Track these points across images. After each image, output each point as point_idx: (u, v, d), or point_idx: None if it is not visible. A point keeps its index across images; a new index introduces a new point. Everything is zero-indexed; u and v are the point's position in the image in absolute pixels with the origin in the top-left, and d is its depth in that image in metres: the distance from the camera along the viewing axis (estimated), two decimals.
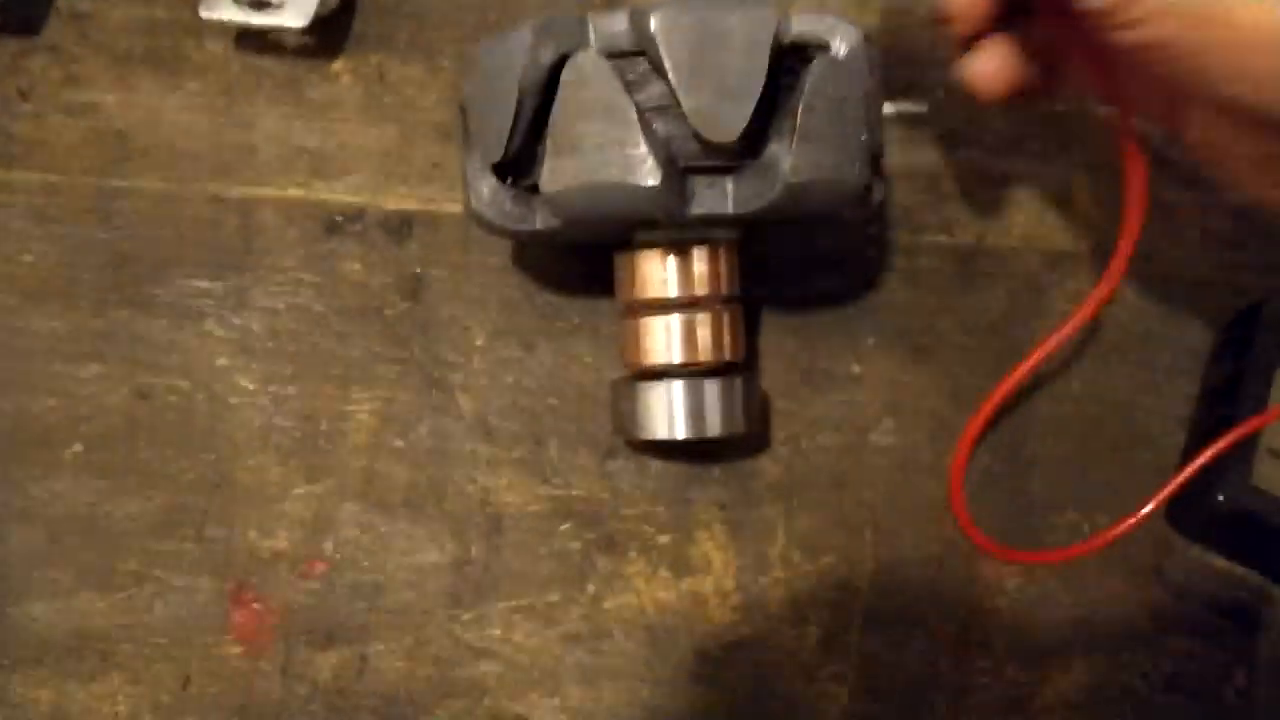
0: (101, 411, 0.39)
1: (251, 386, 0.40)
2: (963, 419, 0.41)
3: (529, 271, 0.43)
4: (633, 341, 0.37)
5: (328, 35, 0.45)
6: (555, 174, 0.33)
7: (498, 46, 0.33)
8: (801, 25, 0.34)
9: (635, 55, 0.33)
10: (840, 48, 0.34)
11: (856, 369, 0.43)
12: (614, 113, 0.32)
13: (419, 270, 0.43)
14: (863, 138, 0.35)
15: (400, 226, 0.44)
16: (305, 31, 0.44)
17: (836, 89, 0.34)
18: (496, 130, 0.34)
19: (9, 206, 0.43)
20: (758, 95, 0.32)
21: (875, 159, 0.36)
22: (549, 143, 0.33)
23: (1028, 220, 0.46)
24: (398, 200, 0.44)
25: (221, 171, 0.44)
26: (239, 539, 0.38)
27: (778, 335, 0.43)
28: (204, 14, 0.44)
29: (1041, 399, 0.43)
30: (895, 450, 0.41)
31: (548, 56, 0.33)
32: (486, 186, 0.36)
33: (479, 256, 0.43)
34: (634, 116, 0.32)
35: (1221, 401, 0.41)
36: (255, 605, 0.37)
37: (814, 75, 0.33)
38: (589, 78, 0.32)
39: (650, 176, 0.32)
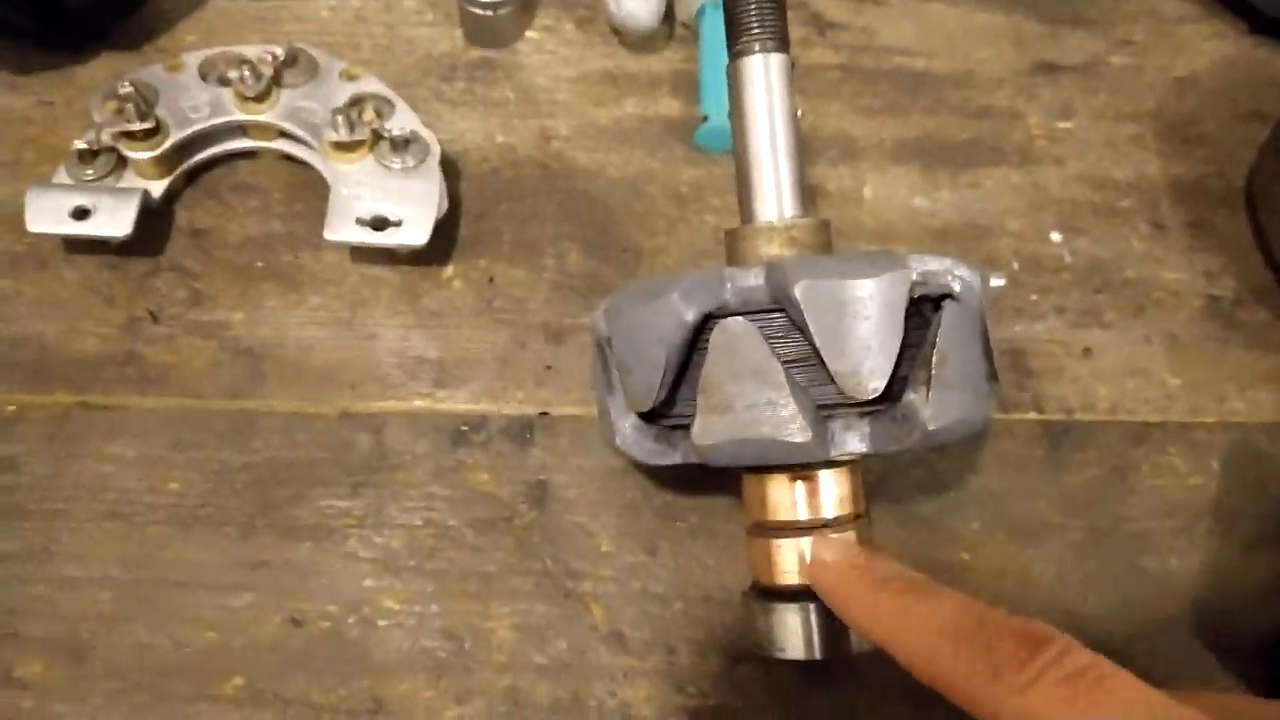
0: (258, 641, 0.40)
1: (397, 607, 0.41)
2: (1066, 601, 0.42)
3: (646, 474, 0.44)
4: (764, 561, 0.38)
5: (437, 240, 0.46)
6: (708, 430, 0.35)
7: (643, 303, 0.35)
8: (926, 270, 0.35)
9: (773, 311, 0.34)
10: (960, 290, 0.35)
11: (966, 557, 0.44)
12: (763, 375, 0.34)
13: (543, 477, 0.44)
14: (988, 367, 0.36)
15: (521, 432, 0.45)
16: None
17: (963, 332, 0.35)
18: (645, 384, 0.35)
19: (151, 433, 0.44)
20: (896, 353, 0.33)
21: (994, 380, 0.37)
22: (700, 399, 0.34)
23: (1111, 393, 0.47)
24: (517, 405, 0.45)
25: (349, 386, 0.45)
26: None
27: (888, 528, 0.43)
28: (329, 236, 0.45)
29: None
30: None
31: (693, 316, 0.35)
32: (630, 427, 0.37)
33: (598, 459, 0.45)
34: (783, 379, 0.33)
35: None
36: None
37: (944, 324, 0.35)
38: (738, 341, 0.34)
39: (800, 435, 0.33)
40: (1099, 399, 0.48)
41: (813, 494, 0.37)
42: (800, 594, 0.37)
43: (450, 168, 0.52)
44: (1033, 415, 0.48)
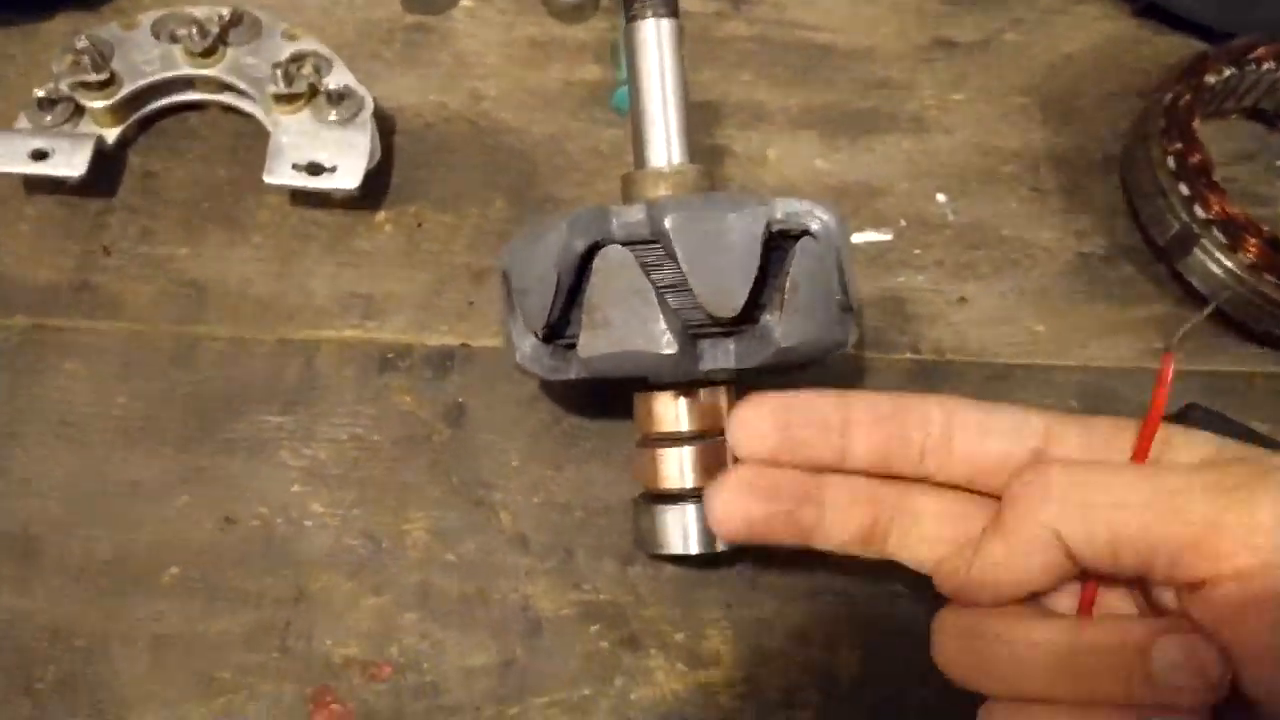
0: (193, 539, 0.44)
1: (321, 510, 0.45)
2: None
3: (554, 400, 0.48)
4: (650, 468, 0.42)
5: (370, 188, 0.50)
6: (591, 344, 0.39)
7: (537, 234, 0.40)
8: (785, 210, 0.39)
9: (651, 243, 0.38)
10: (817, 229, 0.40)
11: None
12: (638, 296, 0.38)
13: (460, 400, 0.48)
14: (838, 298, 0.41)
15: (442, 361, 0.49)
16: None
17: (816, 264, 0.40)
18: (539, 304, 0.40)
19: (100, 355, 0.48)
20: (753, 277, 0.38)
21: (849, 310, 0.42)
22: (585, 318, 0.39)
23: (981, 336, 0.52)
24: (439, 337, 0.50)
25: (286, 316, 0.50)
26: (316, 648, 0.43)
27: None
28: (268, 179, 0.49)
29: None
30: None
31: (579, 245, 0.39)
32: (529, 345, 0.42)
33: (511, 388, 0.49)
34: (654, 300, 0.38)
35: None
36: (334, 707, 0.42)
37: (797, 256, 0.39)
38: (617, 267, 0.38)
39: (668, 347, 0.38)
40: (970, 342, 0.53)
41: (693, 407, 0.42)
42: (680, 497, 0.42)
43: (385, 122, 0.56)
44: (909, 355, 0.53)
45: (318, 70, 0.54)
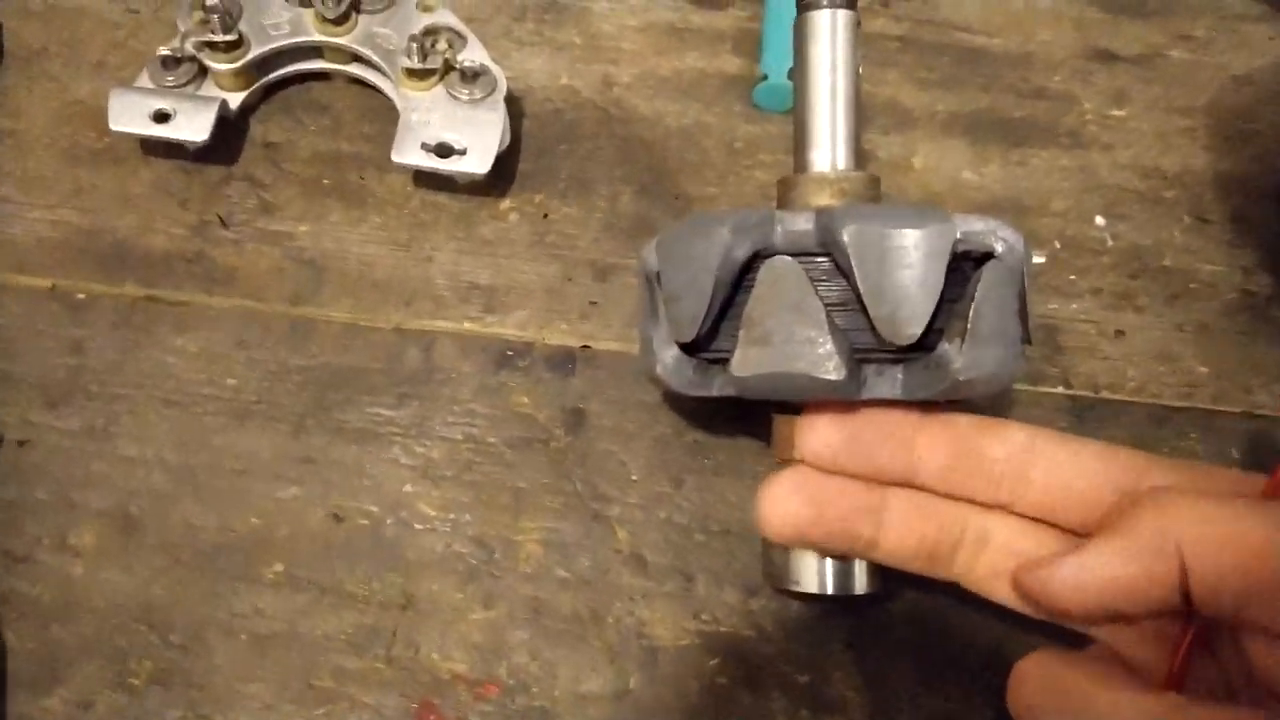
0: (300, 531, 0.41)
1: (433, 513, 0.42)
2: None
3: (679, 410, 0.45)
4: None
5: (497, 173, 0.47)
6: (747, 361, 0.35)
7: (694, 236, 0.36)
8: (969, 229, 0.35)
9: (816, 255, 0.34)
10: (1002, 250, 0.36)
11: None
12: (805, 313, 0.35)
13: (580, 405, 0.45)
14: (1022, 329, 0.36)
15: (564, 362, 0.46)
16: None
17: (1000, 291, 0.36)
18: (690, 313, 0.36)
19: (214, 330, 0.45)
20: (935, 301, 0.34)
21: (1027, 341, 0.38)
22: (742, 332, 0.36)
23: (1139, 374, 0.47)
24: (560, 336, 0.46)
25: (404, 303, 0.46)
26: (423, 659, 0.40)
27: None
28: (395, 158, 0.46)
29: None
30: None
31: (742, 252, 0.35)
32: (671, 357, 0.38)
33: (633, 395, 0.45)
34: (824, 319, 0.34)
35: None
36: None
37: (983, 281, 0.35)
38: (784, 279, 0.35)
39: (835, 373, 0.34)
40: (1126, 379, 0.49)
41: None
42: None
43: (514, 104, 0.53)
44: (1060, 390, 0.48)
45: (451, 46, 0.50)
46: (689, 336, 0.37)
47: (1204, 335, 0.50)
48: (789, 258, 0.35)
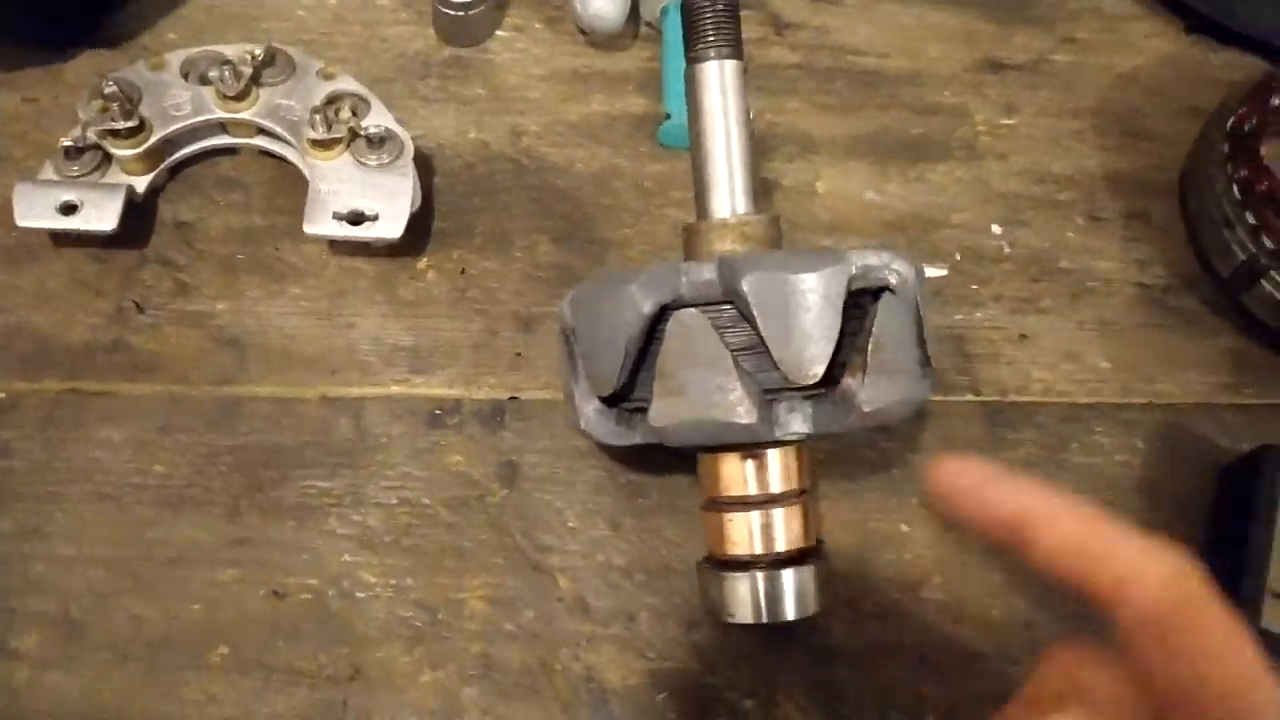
0: (243, 613, 0.41)
1: (374, 580, 0.42)
2: (1000, 567, 0.45)
3: (611, 454, 0.45)
4: (716, 533, 0.40)
5: (412, 233, 0.47)
6: (664, 413, 0.37)
7: (605, 294, 0.37)
8: (865, 263, 0.36)
9: (723, 303, 0.35)
10: (896, 283, 0.37)
11: (904, 528, 0.45)
12: (714, 362, 0.36)
13: (513, 458, 0.45)
14: (920, 353, 0.38)
15: (493, 415, 0.46)
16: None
17: (897, 322, 0.37)
18: (607, 369, 0.38)
19: (139, 418, 0.45)
20: (834, 340, 0.35)
21: (928, 364, 0.39)
22: (657, 384, 0.37)
23: (1045, 376, 0.49)
24: (489, 390, 0.47)
25: (330, 372, 0.47)
26: None
27: (835, 502, 0.46)
28: (308, 230, 0.46)
29: None
30: (945, 604, 0.44)
31: (650, 307, 0.36)
32: (593, 410, 0.39)
33: (564, 442, 0.46)
34: (732, 366, 0.35)
35: (1226, 549, 0.43)
36: None
37: (880, 315, 0.36)
38: (691, 331, 0.36)
39: (747, 417, 0.35)
40: (1033, 382, 0.50)
41: (761, 471, 0.39)
42: (749, 564, 0.39)
43: (424, 163, 0.53)
44: (970, 397, 0.50)
45: (355, 112, 0.50)
46: (607, 391, 0.38)
47: (1106, 331, 0.52)
48: (695, 310, 0.36)
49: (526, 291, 0.50)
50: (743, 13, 0.54)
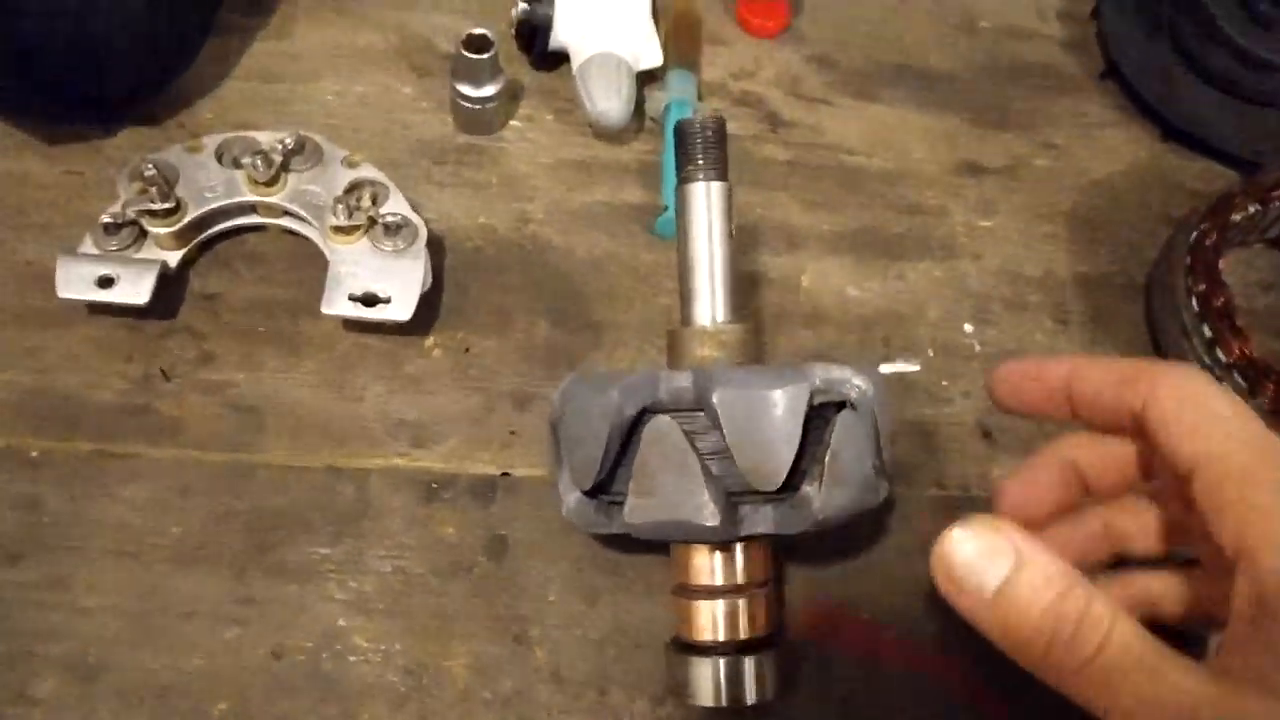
0: (244, 669, 0.44)
1: (366, 644, 0.45)
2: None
3: (591, 535, 0.48)
4: (684, 617, 0.43)
5: (421, 312, 0.51)
6: (637, 510, 0.40)
7: (590, 395, 0.40)
8: (828, 377, 0.39)
9: (698, 410, 0.39)
10: (856, 397, 0.40)
11: (866, 615, 0.48)
12: (684, 468, 0.39)
13: (502, 532, 0.48)
14: (875, 463, 0.40)
15: (486, 490, 0.49)
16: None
17: (854, 434, 0.40)
18: (587, 463, 0.41)
19: (159, 480, 0.48)
20: (794, 452, 0.38)
21: (882, 472, 0.42)
22: (632, 484, 0.40)
23: (1005, 473, 0.51)
24: (482, 465, 0.50)
25: (337, 443, 0.50)
26: None
27: (802, 587, 0.49)
28: (325, 310, 0.50)
29: None
30: (905, 680, 0.47)
31: (630, 411, 0.40)
32: (574, 499, 0.43)
33: (550, 519, 0.49)
34: (699, 472, 0.39)
35: None
36: None
37: (838, 429, 0.39)
38: (665, 438, 0.39)
39: (711, 519, 0.38)
40: (994, 478, 0.53)
41: (728, 563, 0.42)
42: (711, 649, 0.42)
43: (437, 245, 0.56)
44: (934, 491, 0.52)
45: (375, 199, 0.54)
46: (587, 485, 0.41)
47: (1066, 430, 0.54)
48: (668, 418, 0.39)
49: (524, 371, 0.53)
50: (743, 109, 0.58)
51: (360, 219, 0.52)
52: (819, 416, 0.40)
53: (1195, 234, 0.56)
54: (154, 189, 0.51)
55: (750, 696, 0.41)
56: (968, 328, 0.56)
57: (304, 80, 0.61)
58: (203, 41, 0.60)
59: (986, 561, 0.29)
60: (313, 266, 0.53)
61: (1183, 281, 0.55)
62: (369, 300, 0.51)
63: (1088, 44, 0.69)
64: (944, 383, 0.55)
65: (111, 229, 0.52)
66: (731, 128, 0.59)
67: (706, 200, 0.43)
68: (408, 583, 0.47)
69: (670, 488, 0.39)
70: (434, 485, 0.49)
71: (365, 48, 0.63)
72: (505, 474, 0.50)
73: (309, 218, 0.53)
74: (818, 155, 0.62)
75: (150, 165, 0.51)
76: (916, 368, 0.55)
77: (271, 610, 0.46)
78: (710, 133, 0.43)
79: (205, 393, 0.51)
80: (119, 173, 0.52)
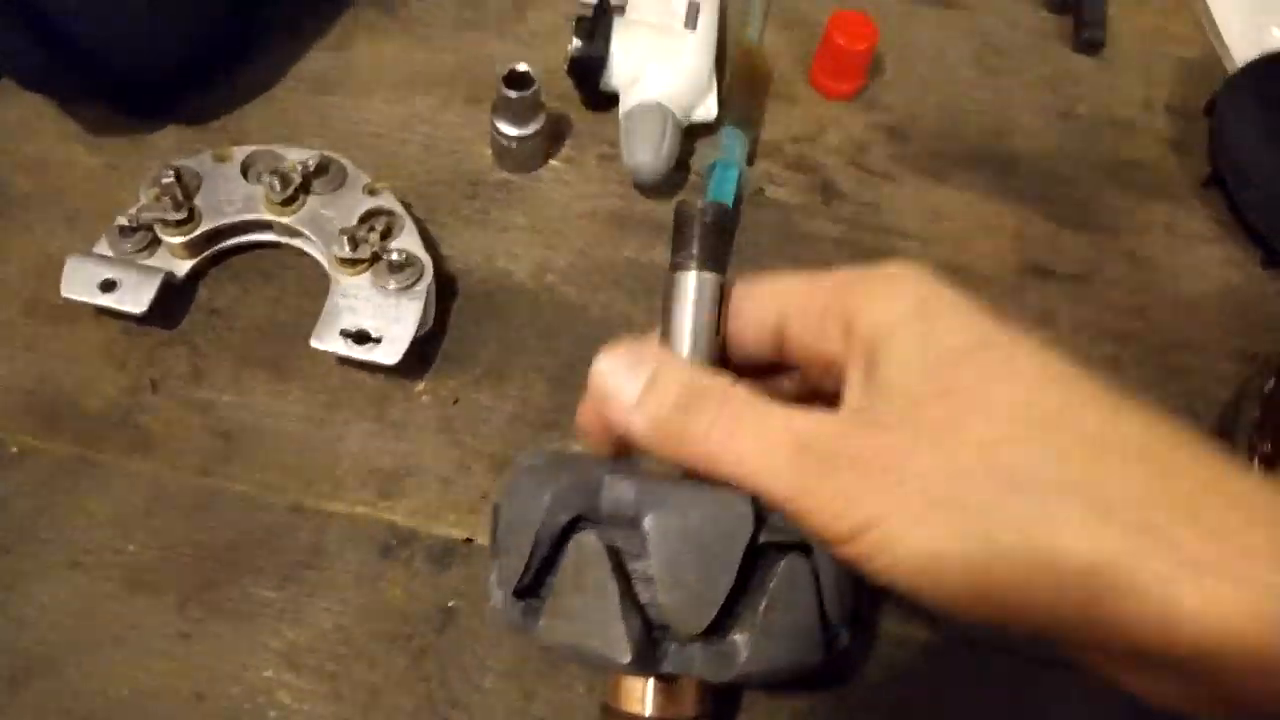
0: (166, 707, 0.43)
1: (289, 701, 0.43)
2: None
3: None
4: None
5: (417, 355, 0.49)
6: (550, 630, 0.36)
7: (531, 487, 0.37)
8: (775, 522, 0.35)
9: (634, 528, 0.35)
10: (813, 544, 0.35)
11: None
12: (602, 594, 0.35)
13: (452, 604, 0.45)
14: (820, 620, 0.37)
15: (444, 555, 0.46)
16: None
17: (800, 584, 0.36)
18: (515, 565, 0.37)
19: (125, 495, 0.47)
20: (723, 599, 0.35)
21: (843, 620, 0.38)
22: (549, 602, 0.36)
23: None
24: (446, 527, 0.47)
25: (305, 482, 0.47)
26: None
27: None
28: (314, 343, 0.47)
29: None
30: None
31: (563, 518, 0.36)
32: (502, 595, 0.39)
33: None
34: (618, 600, 0.35)
35: None
36: None
37: (780, 576, 0.36)
38: (589, 558, 0.35)
39: (623, 655, 0.35)
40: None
41: (659, 695, 0.38)
42: None
43: (448, 284, 0.54)
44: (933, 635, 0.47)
45: (387, 231, 0.52)
46: (510, 587, 0.38)
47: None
48: (594, 537, 0.35)
49: (510, 432, 0.50)
50: (797, 175, 0.54)
51: (365, 252, 0.50)
52: (766, 556, 0.36)
53: (1271, 385, 0.49)
54: (169, 198, 0.50)
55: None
56: None
57: (354, 94, 0.59)
58: (250, 41, 0.59)
59: (629, 372, 0.32)
60: (322, 292, 0.52)
61: (1246, 438, 0.48)
62: (361, 338, 0.49)
63: (1195, 144, 0.62)
64: None
65: (126, 232, 0.51)
66: (780, 194, 0.55)
67: (696, 293, 0.39)
68: (346, 642, 0.44)
69: (586, 612, 0.35)
70: (392, 542, 0.47)
71: (420, 68, 0.60)
72: (468, 539, 0.47)
73: (320, 242, 0.51)
74: (869, 236, 0.57)
75: (170, 172, 0.50)
76: None
77: (205, 649, 0.44)
78: (709, 219, 0.39)
79: (188, 410, 0.49)
80: (142, 179, 0.51)
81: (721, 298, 0.38)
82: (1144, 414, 0.27)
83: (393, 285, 0.50)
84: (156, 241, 0.52)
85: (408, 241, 0.52)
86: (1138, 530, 0.25)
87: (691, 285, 0.39)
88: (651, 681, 0.39)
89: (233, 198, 0.53)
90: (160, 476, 0.48)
